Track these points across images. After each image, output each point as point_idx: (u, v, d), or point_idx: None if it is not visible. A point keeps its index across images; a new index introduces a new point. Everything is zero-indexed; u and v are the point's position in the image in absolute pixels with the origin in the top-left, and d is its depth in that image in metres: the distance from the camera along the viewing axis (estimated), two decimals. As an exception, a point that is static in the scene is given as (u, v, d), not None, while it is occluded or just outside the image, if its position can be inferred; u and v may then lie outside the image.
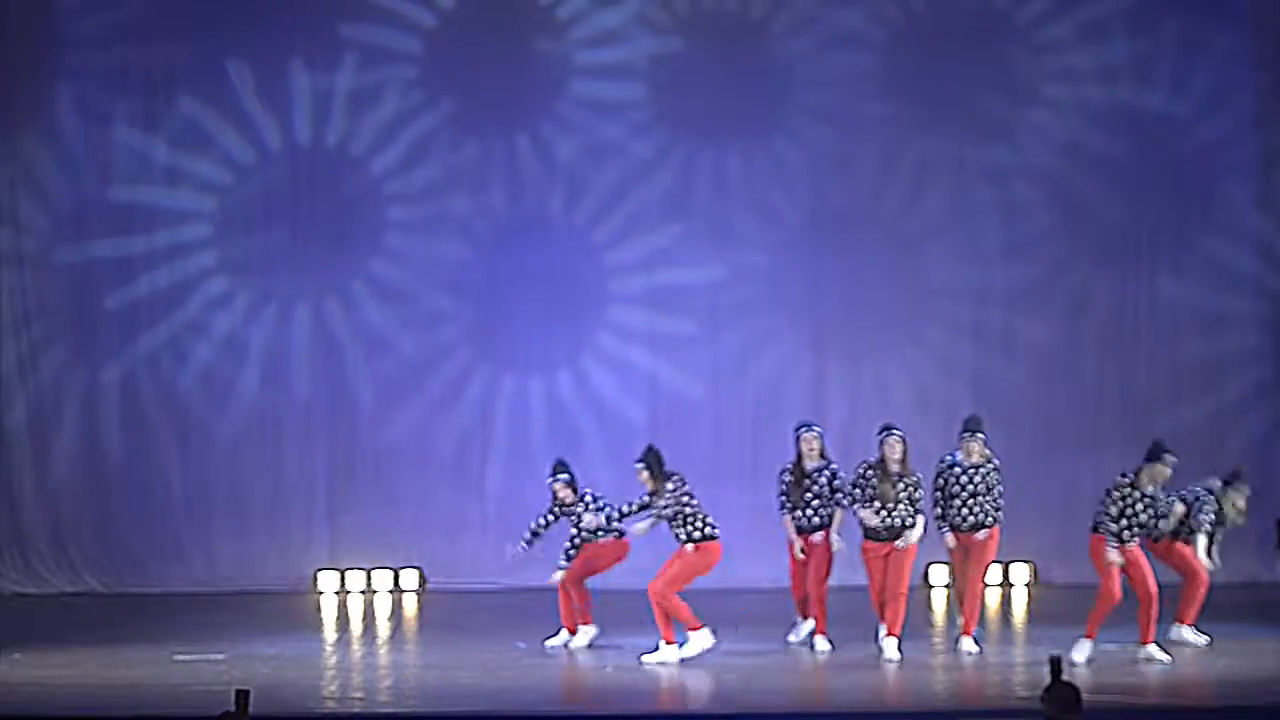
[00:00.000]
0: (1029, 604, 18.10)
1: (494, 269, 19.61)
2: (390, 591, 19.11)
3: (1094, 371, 19.68)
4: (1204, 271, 19.68)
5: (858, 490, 14.80)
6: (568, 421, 19.35)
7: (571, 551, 15.31)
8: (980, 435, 14.91)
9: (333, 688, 14.08)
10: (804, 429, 15.27)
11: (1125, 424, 19.10)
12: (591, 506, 15.20)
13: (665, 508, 14.44)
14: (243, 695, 8.82)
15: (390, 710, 13.20)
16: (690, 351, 19.67)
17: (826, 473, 15.11)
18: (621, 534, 15.29)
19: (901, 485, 14.67)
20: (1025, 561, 18.78)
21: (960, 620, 15.04)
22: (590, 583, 15.46)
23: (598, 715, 13.06)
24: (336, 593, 19.07)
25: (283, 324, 19.54)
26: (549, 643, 15.34)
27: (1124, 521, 14.26)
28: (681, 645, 14.55)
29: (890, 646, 14.64)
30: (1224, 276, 19.68)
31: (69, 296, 19.52)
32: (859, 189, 19.68)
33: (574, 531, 15.37)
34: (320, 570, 19.28)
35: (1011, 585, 18.88)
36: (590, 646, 15.28)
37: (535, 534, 15.47)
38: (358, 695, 13.71)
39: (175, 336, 19.55)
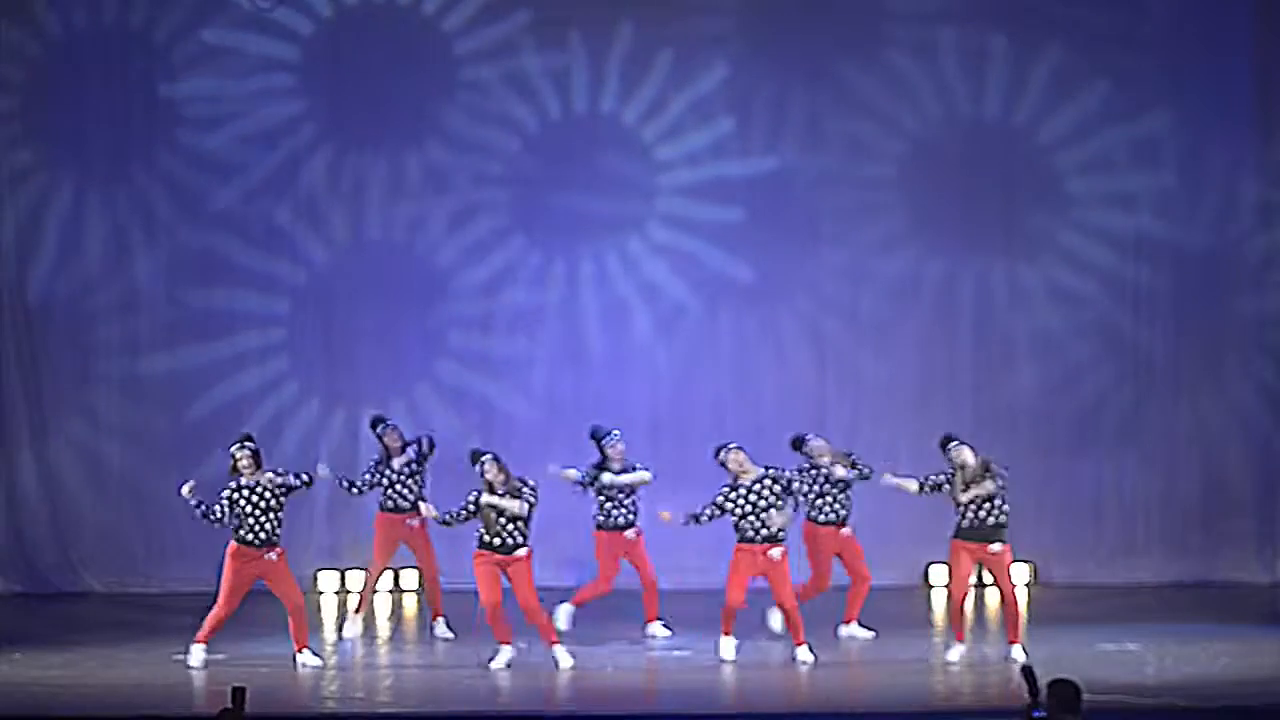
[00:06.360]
0: (1029, 604, 18.06)
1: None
2: (390, 591, 19.08)
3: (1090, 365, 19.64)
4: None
5: None
6: (567, 418, 19.29)
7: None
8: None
9: (333, 688, 14.08)
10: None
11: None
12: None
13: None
14: (239, 692, 8.82)
15: (390, 710, 13.21)
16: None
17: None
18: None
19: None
20: (1025, 561, 18.73)
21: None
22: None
23: (598, 715, 13.07)
24: (336, 593, 19.04)
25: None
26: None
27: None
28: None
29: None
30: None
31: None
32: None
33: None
34: (320, 570, 19.24)
35: (1011, 585, 18.80)
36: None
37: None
38: (358, 695, 13.72)
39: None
